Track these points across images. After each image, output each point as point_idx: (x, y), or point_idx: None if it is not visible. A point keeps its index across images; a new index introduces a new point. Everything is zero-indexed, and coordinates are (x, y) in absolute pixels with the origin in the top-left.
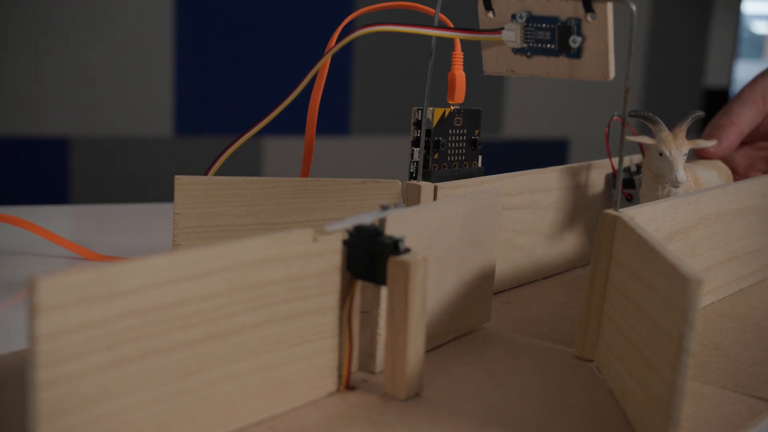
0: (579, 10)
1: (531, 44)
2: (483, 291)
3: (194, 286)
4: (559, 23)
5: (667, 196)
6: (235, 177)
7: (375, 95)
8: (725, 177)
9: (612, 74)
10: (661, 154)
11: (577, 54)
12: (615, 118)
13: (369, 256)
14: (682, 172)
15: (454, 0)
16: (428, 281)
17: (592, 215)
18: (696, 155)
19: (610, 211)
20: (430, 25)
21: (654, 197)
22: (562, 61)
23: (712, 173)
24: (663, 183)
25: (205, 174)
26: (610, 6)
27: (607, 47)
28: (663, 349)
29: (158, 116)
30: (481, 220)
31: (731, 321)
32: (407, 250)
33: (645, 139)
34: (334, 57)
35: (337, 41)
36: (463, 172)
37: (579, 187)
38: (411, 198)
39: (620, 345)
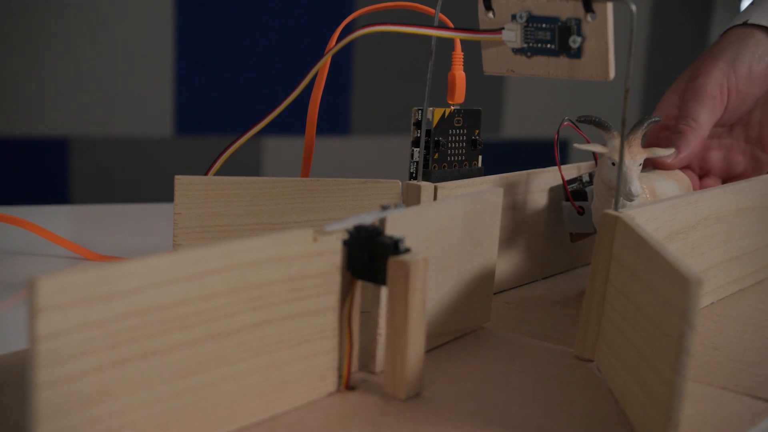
0: (579, 10)
1: (531, 44)
2: (483, 291)
3: (194, 286)
4: (559, 23)
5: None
6: (235, 177)
7: (375, 95)
8: (685, 188)
9: (612, 74)
10: (614, 164)
11: (577, 54)
12: (565, 123)
13: (369, 256)
14: (636, 184)
15: (454, 0)
16: (428, 281)
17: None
18: (651, 165)
19: (611, 212)
20: (430, 25)
21: None
22: (562, 61)
23: (671, 184)
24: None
25: (205, 174)
26: (610, 6)
27: (607, 47)
28: (663, 349)
29: (158, 116)
30: (481, 220)
31: (731, 321)
32: (407, 250)
33: (596, 148)
34: (334, 57)
35: (337, 41)
36: (463, 172)
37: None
38: (411, 198)
39: (620, 345)
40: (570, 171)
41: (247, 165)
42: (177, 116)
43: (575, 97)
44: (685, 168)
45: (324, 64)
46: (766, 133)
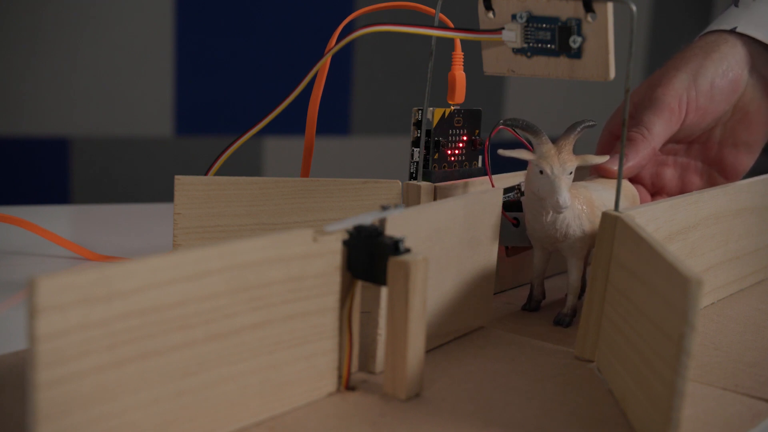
0: (579, 11)
1: (531, 44)
2: (483, 291)
3: (194, 286)
4: (560, 23)
5: (553, 222)
6: (235, 177)
7: (375, 95)
8: (629, 199)
9: (612, 74)
10: (541, 172)
11: (577, 54)
12: (500, 126)
13: (369, 257)
14: (565, 194)
15: (454, 0)
16: (428, 281)
17: None
18: (594, 172)
19: (611, 212)
20: (430, 25)
21: (539, 225)
22: (562, 61)
23: (612, 194)
24: (546, 206)
25: (205, 174)
26: (610, 6)
27: (607, 48)
28: (663, 349)
29: (158, 116)
30: (481, 220)
31: (731, 321)
32: (407, 251)
33: (522, 154)
34: (334, 57)
35: (337, 41)
36: (463, 172)
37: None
38: (411, 198)
39: (620, 346)
40: (516, 179)
41: (247, 165)
42: (177, 116)
43: (575, 98)
44: (636, 182)
45: (324, 64)
46: (726, 154)
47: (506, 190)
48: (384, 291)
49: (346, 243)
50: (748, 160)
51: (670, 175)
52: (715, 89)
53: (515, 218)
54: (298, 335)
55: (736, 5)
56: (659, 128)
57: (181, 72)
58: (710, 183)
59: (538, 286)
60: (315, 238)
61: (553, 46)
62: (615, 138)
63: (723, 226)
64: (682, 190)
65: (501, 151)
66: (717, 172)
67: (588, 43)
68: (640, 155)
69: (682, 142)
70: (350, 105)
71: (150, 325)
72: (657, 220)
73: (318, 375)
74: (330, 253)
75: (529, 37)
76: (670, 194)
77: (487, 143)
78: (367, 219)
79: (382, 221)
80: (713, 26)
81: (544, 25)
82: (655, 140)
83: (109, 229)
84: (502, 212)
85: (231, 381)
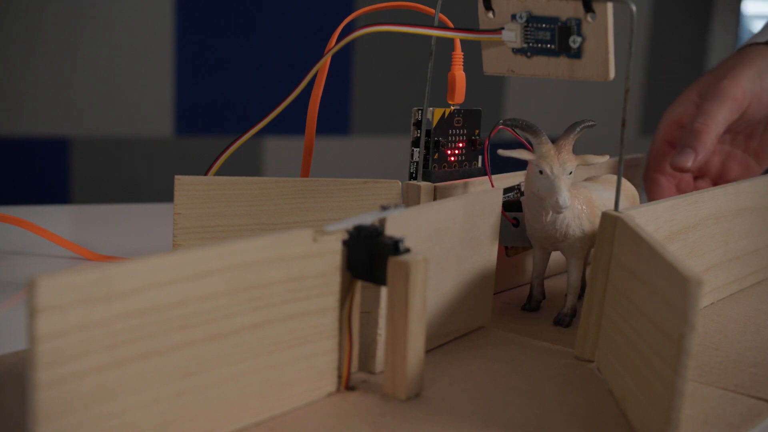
0: (579, 11)
1: (531, 44)
2: (483, 291)
3: (194, 286)
4: (559, 23)
5: (553, 222)
6: (235, 177)
7: (375, 95)
8: (629, 199)
9: (612, 74)
10: (541, 172)
11: (577, 54)
12: (500, 126)
13: (369, 257)
14: (565, 194)
15: (454, 0)
16: (428, 281)
17: None
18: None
19: (611, 212)
20: (430, 25)
21: (539, 224)
22: (562, 61)
23: (611, 195)
24: (546, 206)
25: (205, 174)
26: (610, 6)
27: (607, 48)
28: (663, 349)
29: (158, 116)
30: (481, 220)
31: (731, 321)
32: (407, 251)
33: (521, 154)
34: (334, 57)
35: (337, 41)
36: (463, 172)
37: None
38: (411, 198)
39: (620, 346)
40: (516, 179)
41: (247, 165)
42: (177, 116)
43: (575, 98)
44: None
45: (324, 64)
46: (766, 145)
47: (506, 190)
48: (384, 291)
49: (346, 243)
50: None
51: (714, 161)
52: None
53: (515, 218)
54: (298, 335)
55: None
56: (722, 116)
57: (181, 72)
58: (746, 168)
59: (538, 286)
60: (315, 238)
61: (552, 46)
62: (679, 127)
63: (723, 226)
64: (722, 174)
65: (501, 151)
66: (753, 159)
67: (588, 43)
68: (707, 147)
69: (730, 131)
70: (350, 105)
71: (150, 325)
72: (657, 220)
73: (318, 375)
74: (330, 253)
75: (528, 37)
76: (711, 178)
77: (487, 143)
78: (367, 219)
79: (382, 221)
80: (752, 40)
81: (543, 25)
82: (718, 127)
83: (109, 229)
84: (502, 212)
85: (231, 381)
